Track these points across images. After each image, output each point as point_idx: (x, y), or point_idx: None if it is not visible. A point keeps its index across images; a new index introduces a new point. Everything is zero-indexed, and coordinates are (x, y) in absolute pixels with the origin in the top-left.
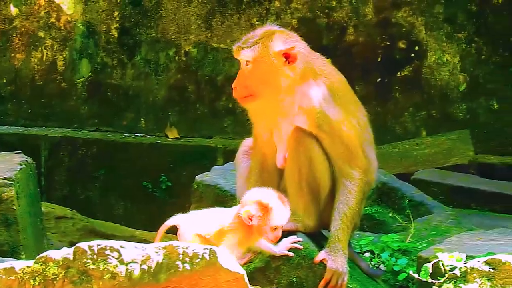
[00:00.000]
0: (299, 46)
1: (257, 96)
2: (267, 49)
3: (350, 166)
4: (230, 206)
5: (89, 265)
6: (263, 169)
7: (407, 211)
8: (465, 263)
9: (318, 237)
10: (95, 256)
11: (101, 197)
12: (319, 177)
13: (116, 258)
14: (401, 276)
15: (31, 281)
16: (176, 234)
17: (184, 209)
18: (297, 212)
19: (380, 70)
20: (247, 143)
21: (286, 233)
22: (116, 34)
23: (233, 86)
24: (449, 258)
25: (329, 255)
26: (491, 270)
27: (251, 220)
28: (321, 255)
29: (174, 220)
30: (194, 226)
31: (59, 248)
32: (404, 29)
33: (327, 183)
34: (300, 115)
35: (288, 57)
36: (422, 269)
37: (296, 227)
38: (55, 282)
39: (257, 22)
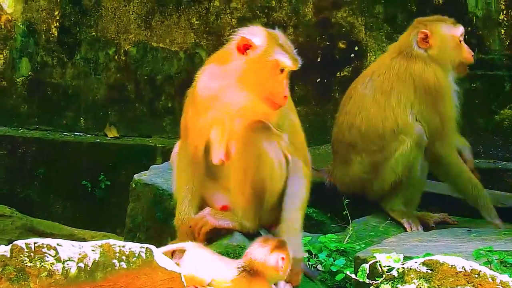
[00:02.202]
0: None
1: None
2: None
3: (304, 163)
4: (168, 206)
5: (26, 263)
6: (193, 161)
7: (345, 211)
8: (403, 264)
9: (256, 235)
10: (32, 254)
11: (40, 195)
12: (264, 179)
13: (53, 256)
14: (339, 277)
15: None
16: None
17: (123, 208)
18: (235, 211)
19: (319, 70)
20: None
21: (224, 232)
22: (56, 33)
23: (285, 95)
24: (387, 258)
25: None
26: (429, 271)
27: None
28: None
29: (183, 245)
30: (197, 266)
31: None
32: (344, 29)
33: (273, 187)
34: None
35: None
36: (359, 270)
37: (233, 226)
38: None
39: (196, 22)
